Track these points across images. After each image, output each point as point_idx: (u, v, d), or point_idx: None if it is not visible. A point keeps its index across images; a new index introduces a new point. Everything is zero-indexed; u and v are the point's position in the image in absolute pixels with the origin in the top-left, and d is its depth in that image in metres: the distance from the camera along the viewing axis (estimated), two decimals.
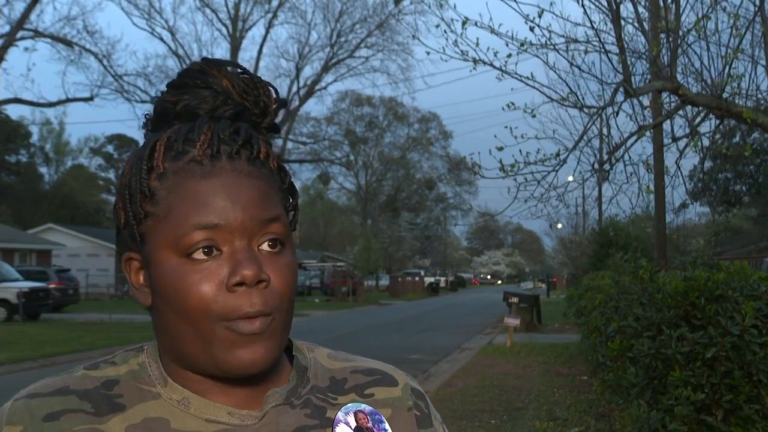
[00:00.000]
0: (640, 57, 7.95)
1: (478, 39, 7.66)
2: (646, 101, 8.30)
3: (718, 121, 8.25)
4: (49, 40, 28.07)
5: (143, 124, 0.82)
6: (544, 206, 8.31)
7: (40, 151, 57.91)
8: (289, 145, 44.82)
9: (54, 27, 29.04)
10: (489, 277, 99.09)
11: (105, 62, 30.23)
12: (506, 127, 7.44)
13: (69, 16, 37.68)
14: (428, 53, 8.52)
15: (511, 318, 15.49)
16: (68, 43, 28.56)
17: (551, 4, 7.75)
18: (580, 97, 7.63)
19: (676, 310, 4.13)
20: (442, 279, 66.46)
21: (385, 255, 57.27)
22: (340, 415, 0.80)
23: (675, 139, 8.65)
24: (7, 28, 25.83)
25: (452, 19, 7.77)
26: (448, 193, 70.20)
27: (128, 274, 0.79)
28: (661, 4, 7.47)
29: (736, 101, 7.23)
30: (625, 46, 7.40)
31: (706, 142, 8.76)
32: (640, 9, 7.66)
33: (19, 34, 25.97)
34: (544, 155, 7.53)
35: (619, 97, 7.40)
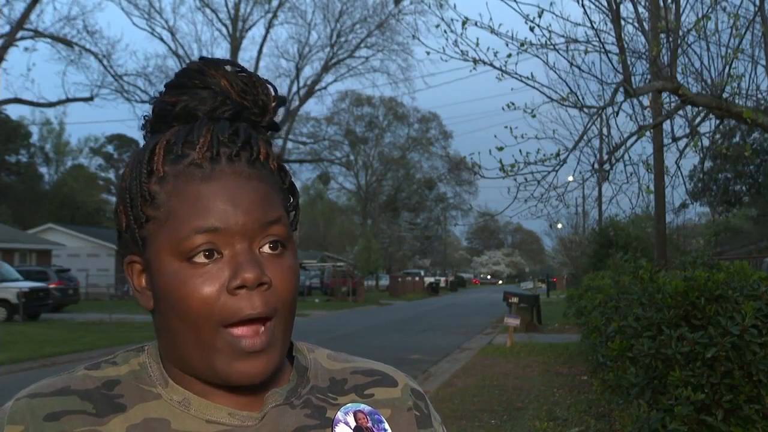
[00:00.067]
0: (640, 57, 7.95)
1: (478, 39, 7.67)
2: (646, 101, 8.31)
3: (718, 121, 8.26)
4: (49, 40, 28.09)
5: (142, 125, 0.82)
6: (544, 206, 8.32)
7: (40, 151, 57.91)
8: (289, 145, 44.84)
9: (54, 27, 29.06)
10: (489, 277, 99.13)
11: (105, 62, 30.27)
12: (506, 127, 7.45)
13: (69, 16, 37.70)
14: (428, 53, 8.53)
15: (511, 318, 15.49)
16: (68, 43, 28.57)
17: (551, 4, 7.75)
18: (580, 97, 7.63)
19: (676, 310, 4.13)
20: (442, 279, 66.45)
21: (385, 255, 57.28)
22: (339, 415, 0.80)
23: (675, 139, 8.66)
24: (7, 28, 25.86)
25: (452, 19, 7.78)
26: (448, 193, 70.30)
27: (130, 277, 0.79)
28: (661, 4, 7.47)
29: (736, 101, 7.23)
30: (625, 46, 7.40)
31: (706, 142, 8.76)
32: (640, 9, 7.67)
33: (19, 34, 25.98)
34: (544, 155, 7.53)
35: (619, 97, 7.40)
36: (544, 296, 37.64)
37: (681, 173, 9.44)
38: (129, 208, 0.75)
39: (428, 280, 58.47)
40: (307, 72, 58.83)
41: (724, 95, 7.04)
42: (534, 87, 7.62)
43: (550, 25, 7.58)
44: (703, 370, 3.89)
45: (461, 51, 7.77)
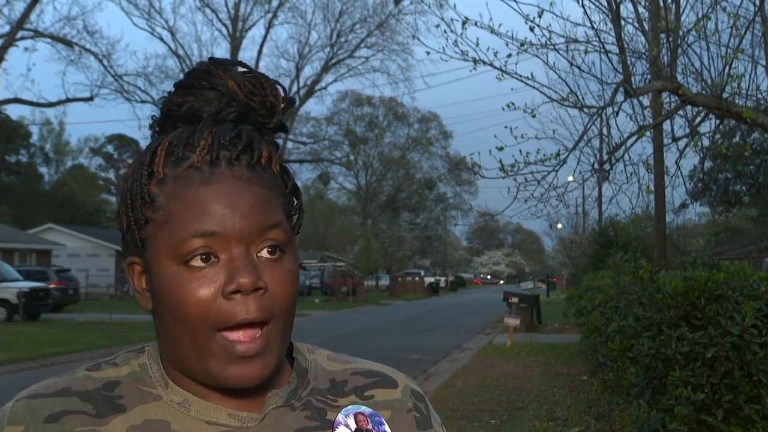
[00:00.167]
0: (640, 57, 7.95)
1: (478, 39, 7.66)
2: (646, 101, 8.30)
3: (718, 121, 8.26)
4: (49, 40, 28.11)
5: (150, 125, 0.82)
6: (544, 206, 8.31)
7: (40, 151, 57.92)
8: (289, 145, 44.88)
9: (54, 27, 29.09)
10: (489, 277, 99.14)
11: (105, 62, 30.31)
12: (506, 127, 7.45)
13: (69, 16, 37.78)
14: (428, 53, 8.53)
15: (511, 318, 15.49)
16: (68, 43, 28.58)
17: (551, 4, 7.75)
18: (580, 97, 7.63)
19: (676, 310, 4.13)
20: (442, 279, 66.46)
21: (385, 255, 57.25)
22: (340, 417, 0.80)
23: (675, 139, 8.65)
24: (7, 28, 25.87)
25: (452, 19, 7.78)
26: (448, 193, 70.31)
27: (131, 278, 0.79)
28: (661, 4, 7.47)
29: (736, 101, 7.23)
30: (625, 46, 7.40)
31: (706, 142, 8.76)
32: (640, 9, 7.67)
33: (19, 34, 26.00)
34: (544, 155, 7.53)
35: (619, 97, 7.40)
36: (544, 296, 37.64)
37: (681, 173, 9.45)
38: (129, 210, 0.76)
39: (428, 280, 58.48)
40: (307, 72, 58.89)
41: (724, 95, 7.04)
42: (534, 87, 7.62)
43: (550, 25, 7.59)
44: (703, 370, 3.89)
45: (461, 51, 7.78)
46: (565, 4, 40.76)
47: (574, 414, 7.46)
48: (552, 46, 7.63)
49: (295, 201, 0.82)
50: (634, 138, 7.70)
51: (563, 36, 7.79)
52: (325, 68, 39.78)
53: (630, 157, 8.19)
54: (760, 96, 7.81)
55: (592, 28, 7.49)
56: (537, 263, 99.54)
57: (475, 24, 7.62)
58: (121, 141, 62.09)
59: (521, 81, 7.56)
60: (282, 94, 0.80)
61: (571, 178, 9.23)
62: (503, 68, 7.58)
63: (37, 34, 27.40)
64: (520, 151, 7.43)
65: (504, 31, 7.50)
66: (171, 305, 0.72)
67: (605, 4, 7.47)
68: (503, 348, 14.46)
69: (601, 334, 6.18)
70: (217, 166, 0.74)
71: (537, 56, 7.74)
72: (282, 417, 0.78)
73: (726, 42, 7.33)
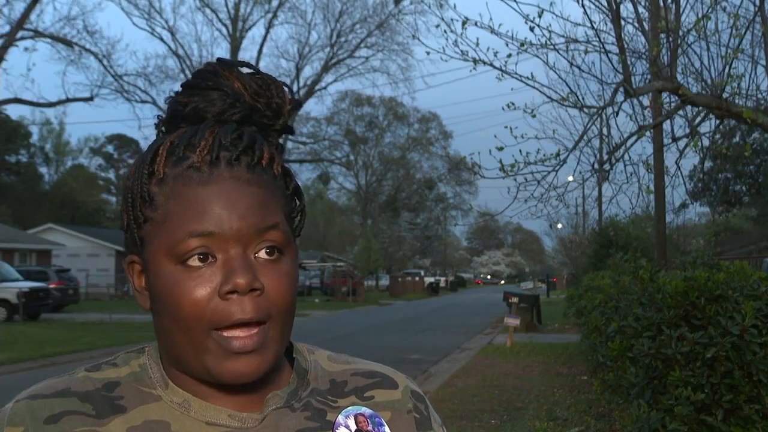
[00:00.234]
0: (640, 57, 7.95)
1: (478, 39, 7.66)
2: (646, 101, 8.31)
3: (718, 121, 8.26)
4: (49, 40, 28.10)
5: (155, 124, 0.82)
6: (544, 206, 8.32)
7: (40, 151, 57.93)
8: (289, 145, 44.86)
9: (54, 27, 29.09)
10: (489, 277, 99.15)
11: (105, 62, 30.30)
12: (506, 127, 7.45)
13: (69, 16, 37.77)
14: (428, 53, 8.53)
15: (511, 318, 15.49)
16: (68, 43, 28.58)
17: (551, 4, 7.75)
18: (580, 97, 7.63)
19: (676, 310, 4.13)
20: (442, 279, 66.46)
21: (385, 255, 57.24)
22: (340, 418, 0.80)
23: (675, 139, 8.65)
24: (7, 28, 25.86)
25: (452, 19, 7.78)
26: (448, 193, 70.31)
27: (131, 277, 0.79)
28: (661, 4, 7.47)
29: (736, 101, 7.23)
30: (625, 46, 7.41)
31: (706, 142, 8.76)
32: (640, 9, 7.67)
33: (19, 34, 25.99)
34: (544, 155, 7.53)
35: (619, 97, 7.40)
36: (544, 296, 37.65)
37: (681, 173, 9.45)
38: (130, 208, 0.76)
39: (428, 280, 58.47)
40: (307, 72, 58.99)
41: (724, 95, 7.04)
42: (534, 87, 7.62)
43: (550, 25, 7.59)
44: (703, 370, 3.89)
45: (461, 51, 7.78)
46: (565, 4, 40.80)
47: (574, 414, 7.46)
48: (552, 46, 7.64)
49: (297, 203, 0.81)
50: (634, 138, 7.70)
51: (563, 36, 7.80)
52: (325, 68, 39.79)
53: (630, 157, 8.21)
54: (760, 96, 7.81)
55: (592, 28, 7.49)
56: (537, 263, 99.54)
57: (475, 24, 7.62)
58: (121, 141, 62.09)
59: (521, 81, 7.57)
60: (289, 96, 0.80)
61: (571, 178, 9.23)
62: (503, 68, 7.59)
63: (37, 34, 27.40)
64: (520, 151, 7.44)
65: (504, 31, 7.51)
66: (167, 304, 0.72)
67: (605, 4, 7.48)
68: (503, 348, 14.46)
69: (601, 334, 6.18)
70: (216, 166, 0.74)
71: (537, 56, 7.74)
72: (282, 418, 0.78)
73: (726, 42, 7.34)
